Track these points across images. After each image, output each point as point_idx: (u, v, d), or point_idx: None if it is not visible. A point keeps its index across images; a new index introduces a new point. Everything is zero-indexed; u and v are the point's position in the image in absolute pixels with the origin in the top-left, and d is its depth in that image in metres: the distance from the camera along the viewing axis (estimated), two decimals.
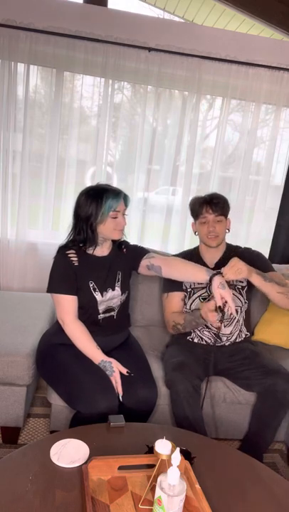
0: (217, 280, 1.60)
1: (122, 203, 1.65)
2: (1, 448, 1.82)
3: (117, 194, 1.63)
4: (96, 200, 1.61)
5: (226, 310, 1.59)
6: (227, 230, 2.00)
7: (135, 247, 1.87)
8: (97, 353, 1.62)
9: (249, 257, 1.98)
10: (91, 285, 1.69)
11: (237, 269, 1.66)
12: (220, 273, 1.64)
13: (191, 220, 2.80)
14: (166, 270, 1.75)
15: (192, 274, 1.69)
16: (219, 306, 1.59)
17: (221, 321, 1.70)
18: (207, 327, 1.94)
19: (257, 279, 1.75)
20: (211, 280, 1.61)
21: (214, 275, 1.61)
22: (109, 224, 1.64)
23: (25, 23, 2.41)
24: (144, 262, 1.79)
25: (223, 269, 1.66)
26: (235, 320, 1.95)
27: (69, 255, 1.67)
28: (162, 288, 2.12)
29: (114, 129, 2.70)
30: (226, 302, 1.58)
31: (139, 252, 1.83)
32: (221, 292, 1.57)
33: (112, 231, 1.66)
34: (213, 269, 1.97)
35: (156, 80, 2.59)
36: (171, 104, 2.72)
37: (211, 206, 1.90)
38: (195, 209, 1.96)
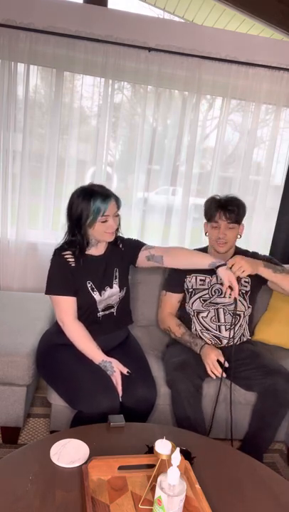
0: (223, 267, 1.66)
1: (111, 205, 1.60)
2: (1, 448, 1.82)
3: (105, 198, 1.58)
4: (84, 203, 1.58)
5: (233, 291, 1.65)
6: (238, 236, 1.95)
7: (130, 240, 1.85)
8: (97, 353, 1.62)
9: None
10: (89, 285, 1.69)
11: (239, 268, 1.65)
12: (225, 265, 1.67)
13: (191, 219, 2.84)
14: (168, 259, 1.75)
15: (196, 259, 1.73)
16: (229, 286, 1.65)
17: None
18: (207, 329, 1.93)
19: (265, 272, 1.72)
20: (217, 268, 1.67)
21: (219, 266, 1.66)
22: (99, 228, 1.61)
23: (25, 23, 2.41)
24: (144, 253, 1.78)
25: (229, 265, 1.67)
26: (238, 324, 1.95)
27: (65, 256, 1.67)
28: (163, 285, 2.12)
29: (114, 129, 2.70)
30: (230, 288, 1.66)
31: (136, 245, 1.82)
32: (228, 274, 1.63)
33: (102, 234, 1.63)
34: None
35: (156, 80, 2.58)
36: (171, 104, 2.72)
37: (225, 213, 1.85)
38: (209, 212, 1.90)
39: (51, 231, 2.77)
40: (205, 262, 1.70)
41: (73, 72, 2.58)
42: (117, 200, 1.65)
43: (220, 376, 1.74)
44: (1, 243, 2.69)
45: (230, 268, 1.66)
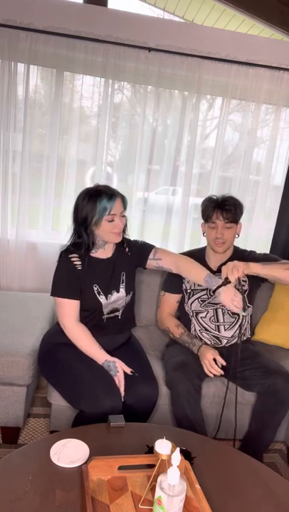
0: (217, 291, 1.62)
1: (117, 204, 1.60)
2: (1, 448, 1.82)
3: (110, 196, 1.58)
4: (90, 203, 1.58)
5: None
6: (236, 235, 1.94)
7: (136, 243, 1.83)
8: (100, 353, 1.62)
9: (256, 260, 1.96)
10: (95, 289, 1.68)
11: (233, 268, 1.62)
12: (223, 283, 1.63)
13: (191, 219, 2.84)
14: (176, 270, 1.77)
15: (196, 275, 1.71)
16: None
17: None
18: (206, 330, 1.94)
19: (256, 267, 1.67)
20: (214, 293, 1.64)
21: (214, 291, 1.63)
22: (105, 227, 1.60)
23: (25, 23, 2.40)
24: (152, 263, 1.79)
25: (227, 275, 1.63)
26: (237, 324, 1.95)
27: (72, 259, 1.66)
28: (162, 285, 2.13)
29: (114, 129, 2.70)
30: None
31: (144, 249, 1.81)
32: (225, 297, 1.59)
33: (108, 234, 1.62)
34: (216, 272, 1.97)
35: (156, 80, 2.58)
36: (171, 104, 2.72)
37: (222, 212, 1.83)
38: (206, 212, 1.89)
39: (51, 231, 2.78)
40: (200, 280, 1.67)
41: (73, 72, 2.58)
42: (123, 200, 1.64)
43: (218, 375, 1.75)
44: (1, 243, 2.69)
45: (227, 279, 1.62)
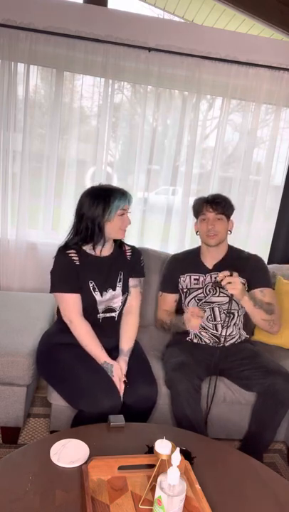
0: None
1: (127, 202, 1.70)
2: (1, 448, 1.82)
3: (123, 194, 1.67)
4: (103, 201, 1.64)
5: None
6: (229, 232, 1.99)
7: (139, 258, 1.87)
8: (101, 353, 1.63)
9: (252, 263, 1.99)
10: (91, 285, 1.69)
11: (232, 285, 1.69)
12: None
13: (191, 219, 2.83)
14: (122, 317, 1.82)
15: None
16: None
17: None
18: (204, 328, 1.94)
19: (247, 304, 1.79)
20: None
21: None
22: (117, 222, 1.67)
23: (25, 23, 2.40)
24: (131, 285, 1.82)
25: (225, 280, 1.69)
26: (233, 322, 1.95)
27: (70, 254, 1.68)
28: (159, 285, 2.14)
29: (114, 129, 2.70)
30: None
31: (137, 270, 1.85)
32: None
33: (117, 230, 1.68)
34: (211, 270, 1.97)
35: (156, 80, 2.58)
36: (171, 104, 2.72)
37: (211, 205, 1.91)
38: (196, 208, 1.97)
39: (51, 231, 2.78)
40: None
41: (73, 72, 2.58)
42: (129, 198, 1.72)
43: (197, 328, 1.80)
44: (1, 243, 2.69)
45: (221, 281, 1.69)
